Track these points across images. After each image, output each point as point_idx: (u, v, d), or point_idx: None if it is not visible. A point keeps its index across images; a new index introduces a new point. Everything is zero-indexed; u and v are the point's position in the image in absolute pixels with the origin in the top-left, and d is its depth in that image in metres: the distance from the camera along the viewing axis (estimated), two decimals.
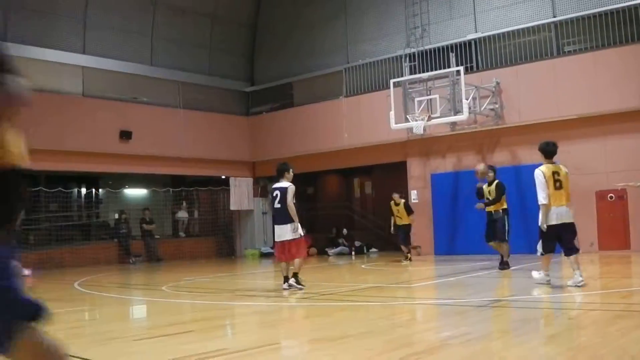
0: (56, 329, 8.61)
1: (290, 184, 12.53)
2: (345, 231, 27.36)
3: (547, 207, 10.46)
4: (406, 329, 7.72)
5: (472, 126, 21.30)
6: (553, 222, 10.44)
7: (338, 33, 26.75)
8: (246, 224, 29.40)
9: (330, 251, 26.49)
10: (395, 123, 21.21)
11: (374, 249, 26.25)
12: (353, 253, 25.85)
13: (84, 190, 30.09)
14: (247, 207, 28.83)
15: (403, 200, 20.31)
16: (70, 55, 23.88)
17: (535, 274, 10.98)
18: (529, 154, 20.03)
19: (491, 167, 15.56)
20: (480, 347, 6.16)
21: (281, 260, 12.42)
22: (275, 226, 12.67)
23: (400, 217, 20.08)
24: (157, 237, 27.27)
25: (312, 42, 27.63)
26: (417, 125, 20.62)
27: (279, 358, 6.14)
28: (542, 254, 10.63)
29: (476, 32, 22.52)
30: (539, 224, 10.59)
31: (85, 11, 24.58)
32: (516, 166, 20.67)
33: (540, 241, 10.57)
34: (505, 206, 15.02)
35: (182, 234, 29.55)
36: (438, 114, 20.45)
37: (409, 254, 19.83)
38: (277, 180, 12.79)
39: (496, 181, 15.13)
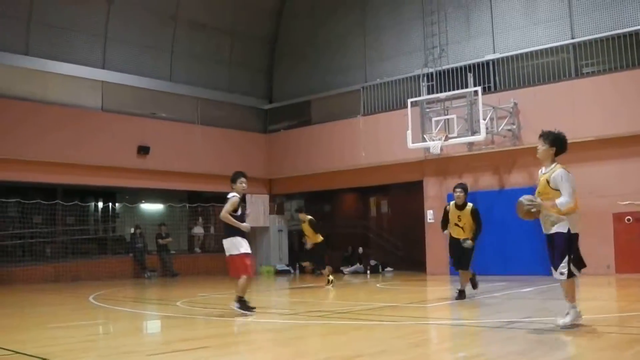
0: (70, 342, 8.66)
1: (234, 194, 11.53)
2: (360, 250, 27.30)
3: (574, 209, 8.33)
4: (421, 349, 7.68)
5: (489, 146, 21.26)
6: (578, 229, 8.40)
7: (356, 52, 26.83)
8: (262, 241, 29.38)
9: (346, 270, 26.43)
10: (413, 142, 21.22)
11: (389, 268, 26.17)
12: (368, 272, 25.78)
13: (100, 204, 30.20)
14: (262, 224, 28.84)
15: (309, 218, 18.67)
16: (90, 70, 24.09)
17: (564, 320, 8.25)
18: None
19: (462, 186, 13.35)
20: None
21: (230, 276, 11.69)
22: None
23: (308, 237, 18.84)
24: (172, 252, 27.32)
25: (330, 60, 27.72)
26: (434, 145, 20.62)
27: None
28: (572, 275, 8.17)
29: (494, 52, 22.52)
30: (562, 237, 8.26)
31: (106, 27, 24.79)
32: (533, 187, 20.53)
33: (567, 258, 8.09)
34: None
35: (197, 249, 29.58)
36: (455, 134, 20.45)
37: (329, 276, 18.55)
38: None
39: (470, 206, 13.21)
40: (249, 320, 10.60)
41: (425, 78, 23.41)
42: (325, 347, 7.77)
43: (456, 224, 13.15)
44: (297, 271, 28.17)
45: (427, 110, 21.38)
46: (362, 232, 29.91)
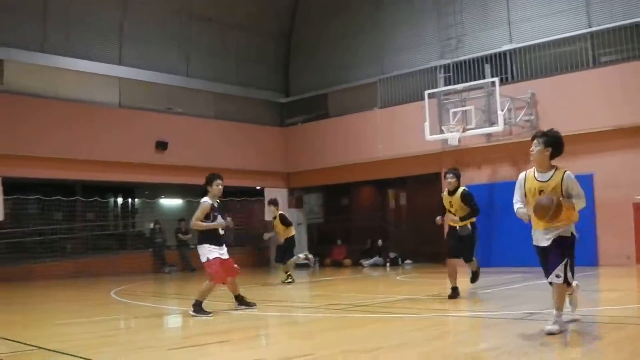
0: (91, 337, 8.72)
1: (205, 200, 10.80)
2: (380, 242, 27.29)
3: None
4: (440, 341, 7.67)
5: (507, 137, 21.17)
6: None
7: (372, 44, 26.78)
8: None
9: (365, 262, 26.43)
10: (430, 134, 21.18)
11: (408, 261, 26.12)
12: (387, 264, 25.78)
13: (120, 200, 30.34)
14: None
15: (279, 213, 18.34)
16: (106, 67, 24.22)
17: (550, 327, 7.35)
18: (566, 166, 19.89)
19: (454, 172, 12.35)
20: (516, 359, 6.11)
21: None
22: None
23: (278, 233, 18.37)
24: (192, 247, 27.39)
25: (346, 53, 27.69)
26: (452, 136, 20.58)
27: None
28: (566, 281, 7.61)
29: (511, 42, 22.42)
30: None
31: (122, 23, 24.88)
32: None
33: (566, 261, 7.58)
34: (473, 220, 12.19)
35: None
36: (473, 125, 20.39)
37: (289, 273, 18.07)
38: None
39: (461, 190, 12.17)
40: (267, 315, 10.63)
41: (442, 69, 23.36)
42: (345, 340, 7.78)
43: (449, 211, 12.22)
44: (317, 264, 28.20)
45: (445, 101, 21.33)
46: (380, 224, 29.88)
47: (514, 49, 22.17)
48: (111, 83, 24.48)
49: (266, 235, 19.12)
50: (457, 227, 12.08)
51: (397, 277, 19.78)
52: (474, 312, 10.54)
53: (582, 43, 20.88)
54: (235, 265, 10.99)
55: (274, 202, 18.53)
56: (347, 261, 27.48)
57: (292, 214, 29.06)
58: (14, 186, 22.24)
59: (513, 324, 8.38)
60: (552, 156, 7.83)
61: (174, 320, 11.11)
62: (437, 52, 24.11)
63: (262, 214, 28.35)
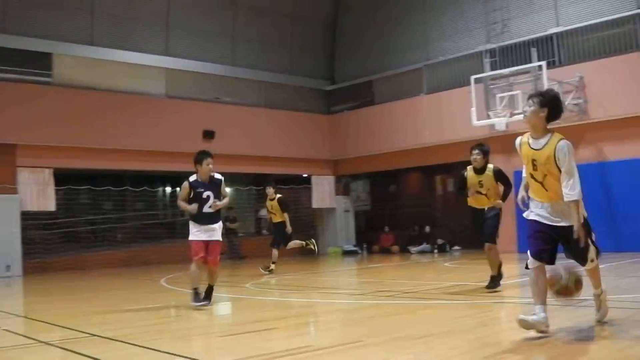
0: (144, 324, 8.86)
1: (185, 182, 10.73)
2: (427, 229, 27.23)
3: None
4: (490, 328, 7.65)
5: (555, 122, 20.86)
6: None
7: (417, 30, 26.65)
8: (328, 222, 29.53)
9: (413, 249, 26.41)
10: (477, 120, 21.04)
11: (456, 247, 26.04)
12: (436, 251, 25.72)
13: (168, 189, 30.64)
14: (328, 205, 28.97)
15: (279, 195, 18.02)
16: (153, 58, 24.50)
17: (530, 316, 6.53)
18: (615, 150, 19.64)
19: (480, 148, 11.15)
20: (567, 347, 6.07)
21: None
22: None
23: (274, 214, 18.01)
24: (240, 235, 27.62)
25: (391, 39, 27.60)
26: (500, 121, 20.42)
27: (362, 356, 6.16)
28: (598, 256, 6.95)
29: (558, 25, 22.12)
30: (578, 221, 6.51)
31: (168, 14, 25.10)
32: (602, 162, 20.25)
33: (591, 242, 6.80)
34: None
35: (265, 231, 29.82)
36: (520, 110, 20.19)
37: (272, 264, 17.49)
38: None
39: (491, 167, 11.20)
40: (316, 302, 10.68)
41: (487, 54, 23.16)
42: (394, 327, 7.79)
43: (479, 192, 11.12)
44: (365, 251, 28.25)
45: (491, 86, 21.16)
46: (428, 211, 29.78)
47: (561, 32, 21.88)
48: (158, 73, 24.76)
49: (262, 213, 18.80)
50: (486, 208, 11.17)
51: (445, 264, 19.73)
52: (523, 298, 10.47)
53: (630, 25, 20.53)
54: (214, 254, 10.35)
55: (272, 185, 18.29)
56: (395, 248, 27.48)
57: (340, 202, 29.19)
58: (65, 177, 22.63)
59: (564, 311, 8.31)
60: (549, 119, 6.74)
61: (223, 308, 11.21)
62: (483, 37, 23.90)
63: (310, 202, 28.46)
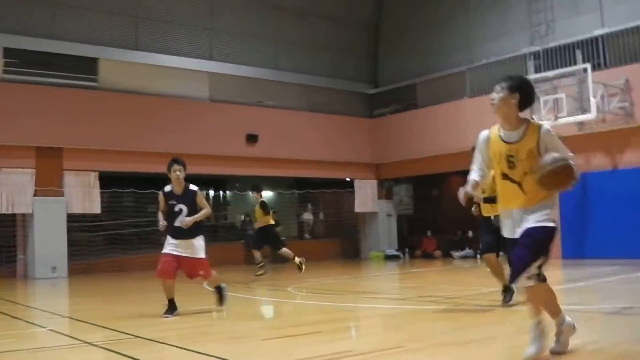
0: (186, 326, 8.90)
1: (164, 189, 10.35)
2: (470, 234, 27.04)
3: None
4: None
5: (600, 125, 20.64)
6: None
7: (460, 32, 26.50)
8: (371, 226, 29.47)
9: (455, 254, 26.26)
10: None
11: (501, 252, 25.77)
12: (478, 256, 25.53)
13: (212, 193, 30.83)
14: (371, 209, 28.91)
15: (261, 200, 17.80)
16: (197, 62, 24.72)
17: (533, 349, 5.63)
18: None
19: None
20: (612, 355, 5.97)
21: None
22: None
23: (257, 219, 17.85)
24: (282, 239, 27.66)
25: (434, 42, 27.47)
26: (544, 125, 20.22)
27: None
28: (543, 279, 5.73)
29: (603, 27, 21.80)
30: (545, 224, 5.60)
31: (211, 18, 25.29)
32: None
33: (543, 259, 5.63)
34: None
35: (307, 235, 29.88)
36: (565, 114, 19.97)
37: (261, 264, 17.44)
38: None
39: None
40: (358, 306, 10.65)
41: (531, 57, 22.93)
42: (436, 332, 7.75)
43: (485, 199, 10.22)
44: (407, 256, 28.14)
45: (535, 89, 20.93)
46: (470, 215, 29.54)
47: (607, 34, 21.57)
48: (202, 77, 24.95)
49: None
50: (492, 217, 10.20)
51: (488, 269, 19.55)
52: (567, 305, 10.33)
53: None
54: (201, 273, 10.04)
55: (256, 189, 18.12)
56: (438, 253, 27.35)
57: (382, 205, 29.11)
58: (109, 180, 22.87)
59: (609, 318, 8.20)
60: (521, 106, 5.89)
61: (265, 311, 11.24)
62: (527, 39, 23.66)
63: (353, 206, 28.44)
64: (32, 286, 18.62)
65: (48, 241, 20.80)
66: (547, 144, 5.63)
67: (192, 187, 10.25)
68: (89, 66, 22.73)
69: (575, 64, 20.92)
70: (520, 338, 7.02)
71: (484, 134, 6.12)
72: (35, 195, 21.05)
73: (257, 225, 17.88)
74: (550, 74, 20.86)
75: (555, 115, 19.99)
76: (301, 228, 30.54)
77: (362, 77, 29.90)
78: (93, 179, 22.07)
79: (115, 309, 11.70)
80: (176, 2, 24.62)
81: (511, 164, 5.68)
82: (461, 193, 6.20)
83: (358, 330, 8.76)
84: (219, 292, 10.32)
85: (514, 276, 5.52)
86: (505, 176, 5.73)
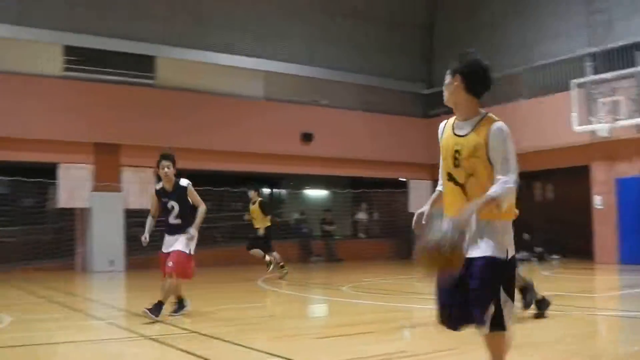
0: (241, 323, 9.02)
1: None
2: (526, 236, 26.73)
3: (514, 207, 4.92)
4: (590, 340, 7.51)
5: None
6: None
7: (516, 33, 26.23)
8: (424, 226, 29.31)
9: None
10: (578, 125, 20.60)
11: (555, 256, 25.49)
12: (534, 259, 25.25)
13: (267, 191, 31.02)
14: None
15: (259, 199, 17.31)
16: (253, 61, 24.88)
17: None
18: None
19: None
20: None
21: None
22: None
23: (254, 218, 17.23)
24: (336, 237, 27.77)
25: (490, 42, 27.21)
26: (602, 127, 19.95)
27: None
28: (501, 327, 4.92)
29: None
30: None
31: (266, 18, 25.48)
32: None
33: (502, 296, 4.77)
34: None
35: (361, 235, 29.89)
36: (623, 116, 19.68)
37: (271, 261, 16.99)
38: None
39: None
40: (412, 307, 10.66)
41: (589, 58, 22.60)
42: None
43: None
44: None
45: (593, 91, 20.68)
46: (526, 218, 29.22)
47: None
48: (257, 76, 25.15)
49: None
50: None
51: (544, 272, 19.39)
52: (625, 311, 10.22)
53: None
54: (170, 264, 9.43)
55: (255, 188, 17.74)
56: None
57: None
58: None
59: None
60: (474, 92, 4.91)
61: (319, 309, 11.32)
62: (584, 40, 23.31)
63: (407, 206, 28.37)
64: (90, 279, 19.02)
65: (106, 235, 21.21)
66: (493, 144, 4.65)
67: (182, 182, 9.98)
68: (146, 64, 23.10)
69: (634, 65, 20.57)
70: (576, 343, 6.99)
71: (441, 124, 5.05)
72: (93, 190, 21.45)
73: (257, 226, 17.28)
74: (608, 75, 20.55)
75: (613, 118, 19.72)
76: (355, 227, 30.57)
77: (417, 77, 29.81)
78: (149, 175, 22.39)
79: (172, 304, 11.87)
80: (234, 3, 24.84)
81: (457, 162, 4.69)
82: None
83: (412, 331, 8.78)
84: (180, 305, 9.78)
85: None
86: (449, 176, 4.74)
